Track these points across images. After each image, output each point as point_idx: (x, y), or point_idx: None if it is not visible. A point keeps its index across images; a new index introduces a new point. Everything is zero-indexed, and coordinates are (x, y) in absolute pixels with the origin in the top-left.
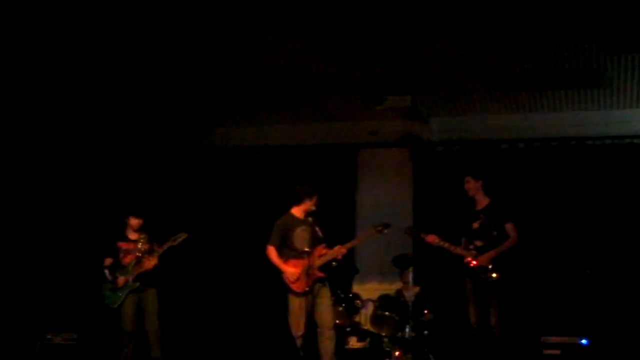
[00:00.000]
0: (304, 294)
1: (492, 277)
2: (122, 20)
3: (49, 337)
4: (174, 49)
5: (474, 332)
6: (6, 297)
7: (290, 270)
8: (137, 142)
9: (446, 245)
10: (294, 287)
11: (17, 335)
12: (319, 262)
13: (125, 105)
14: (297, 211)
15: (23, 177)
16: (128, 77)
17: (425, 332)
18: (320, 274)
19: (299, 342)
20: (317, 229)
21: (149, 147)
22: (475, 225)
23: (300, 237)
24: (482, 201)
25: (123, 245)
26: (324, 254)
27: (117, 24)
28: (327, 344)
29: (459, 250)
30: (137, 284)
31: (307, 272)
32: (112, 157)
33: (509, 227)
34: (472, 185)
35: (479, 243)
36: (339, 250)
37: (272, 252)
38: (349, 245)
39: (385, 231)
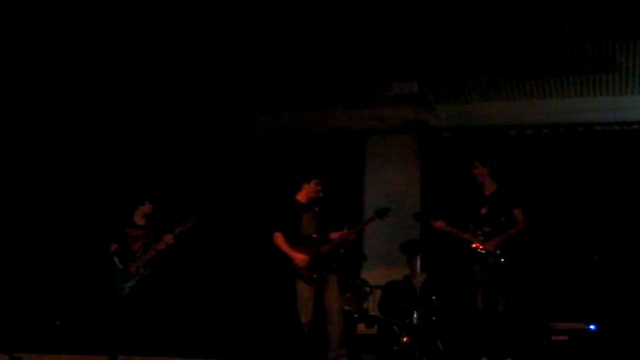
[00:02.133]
0: (313, 281)
1: (499, 262)
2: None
3: (58, 323)
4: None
5: (482, 319)
6: (16, 285)
7: (300, 256)
8: (144, 129)
9: (454, 230)
10: (304, 273)
11: (26, 322)
12: (326, 247)
13: (133, 96)
14: (301, 197)
15: (32, 163)
16: (142, 65)
17: (433, 318)
18: (327, 260)
19: (307, 328)
20: (320, 214)
21: (156, 134)
22: (483, 210)
23: (307, 223)
24: (490, 187)
25: (132, 231)
26: (333, 239)
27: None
28: (335, 329)
29: (466, 236)
30: (149, 270)
31: (316, 258)
32: (118, 144)
33: (516, 212)
34: (480, 171)
35: (486, 229)
36: (348, 233)
37: (279, 239)
38: (356, 229)
39: (386, 216)
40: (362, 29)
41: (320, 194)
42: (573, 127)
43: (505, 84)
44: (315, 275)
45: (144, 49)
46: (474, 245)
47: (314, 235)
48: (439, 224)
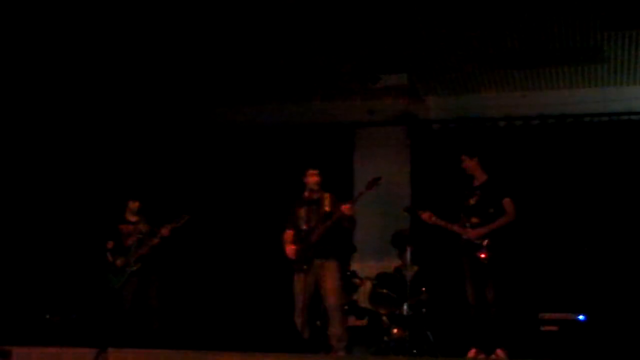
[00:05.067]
0: (303, 271)
1: (487, 253)
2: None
3: (47, 317)
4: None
5: (471, 310)
6: (5, 278)
7: (289, 248)
8: (135, 125)
9: (442, 222)
10: (295, 267)
11: (17, 315)
12: (317, 234)
13: (125, 91)
14: (305, 193)
15: (24, 161)
16: (130, 61)
17: (424, 310)
18: (320, 248)
19: (299, 324)
20: (325, 203)
21: (146, 129)
22: (472, 201)
23: (302, 217)
24: (480, 178)
25: (124, 228)
26: (325, 224)
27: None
28: (334, 328)
29: (455, 228)
30: (139, 265)
31: (304, 248)
32: (110, 141)
33: (506, 203)
34: (469, 164)
35: (475, 220)
36: (344, 209)
37: (283, 235)
38: (352, 203)
39: (377, 185)
40: (350, 21)
41: (316, 186)
42: (562, 118)
43: (494, 75)
44: (305, 267)
45: (130, 43)
46: (464, 237)
47: (304, 227)
48: (426, 215)
